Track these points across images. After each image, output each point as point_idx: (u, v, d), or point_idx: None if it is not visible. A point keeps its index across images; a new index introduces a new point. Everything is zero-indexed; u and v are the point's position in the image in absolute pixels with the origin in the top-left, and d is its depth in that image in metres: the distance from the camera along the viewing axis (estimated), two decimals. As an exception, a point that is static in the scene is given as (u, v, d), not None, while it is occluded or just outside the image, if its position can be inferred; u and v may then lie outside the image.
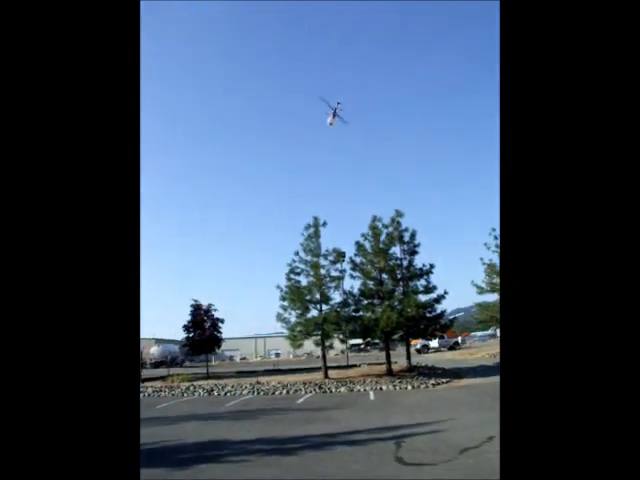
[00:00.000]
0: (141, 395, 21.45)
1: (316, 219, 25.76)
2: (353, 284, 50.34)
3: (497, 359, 34.54)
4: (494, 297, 39.73)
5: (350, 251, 26.17)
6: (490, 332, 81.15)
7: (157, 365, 54.10)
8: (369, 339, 26.31)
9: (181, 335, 34.16)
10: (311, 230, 25.58)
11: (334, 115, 33.38)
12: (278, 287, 25.24)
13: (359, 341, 32.46)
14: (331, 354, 38.05)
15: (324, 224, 25.78)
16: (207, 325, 32.12)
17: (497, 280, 38.65)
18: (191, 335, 32.02)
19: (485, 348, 48.04)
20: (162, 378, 30.45)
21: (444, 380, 22.50)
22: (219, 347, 34.52)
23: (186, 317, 32.16)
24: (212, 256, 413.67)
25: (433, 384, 21.41)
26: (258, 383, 24.07)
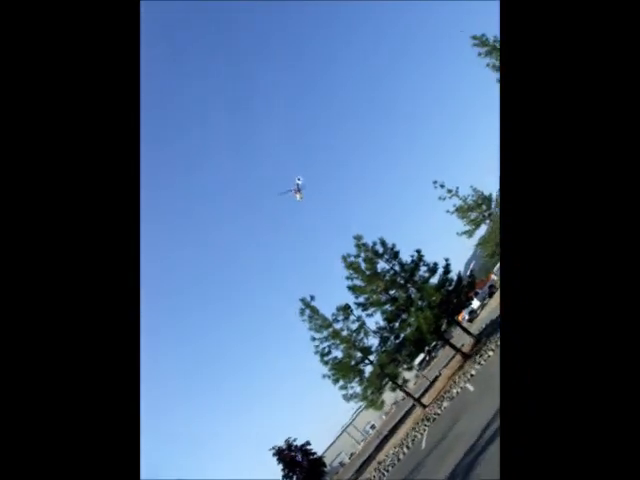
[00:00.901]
0: None
1: (303, 300, 25.62)
2: (376, 319, 49.89)
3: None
4: (482, 230, 40.12)
5: (346, 298, 26.06)
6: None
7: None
8: (426, 347, 25.92)
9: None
10: (307, 311, 25.34)
11: (298, 191, 32.99)
12: (324, 376, 24.70)
13: (421, 356, 31.93)
14: (410, 386, 37.30)
15: (313, 298, 25.67)
16: (299, 457, 30.95)
17: (474, 215, 39.12)
18: (295, 476, 30.75)
19: None
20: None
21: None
22: (324, 466, 33.26)
23: (273, 468, 30.88)
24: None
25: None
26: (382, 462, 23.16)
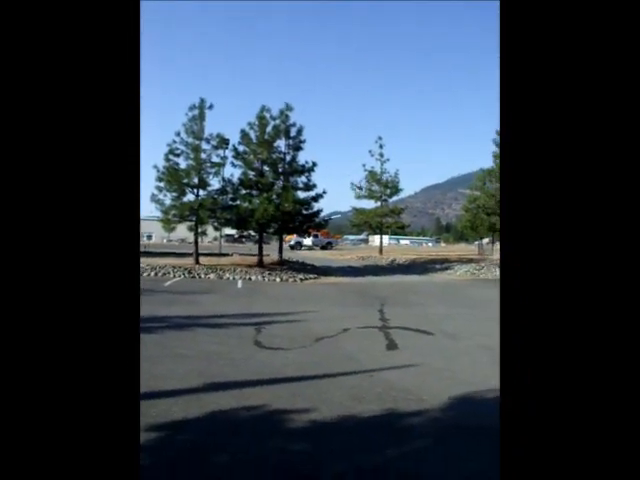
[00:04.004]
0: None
1: (202, 100, 24.36)
2: (234, 172, 49.64)
3: (365, 262, 36.33)
4: (371, 203, 41.29)
5: (235, 139, 25.28)
6: (362, 237, 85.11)
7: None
8: (244, 230, 26.25)
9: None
10: (196, 111, 24.19)
11: None
12: (155, 167, 23.89)
13: (234, 231, 32.34)
14: (205, 242, 37.85)
15: (211, 107, 24.48)
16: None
17: (376, 187, 40.06)
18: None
19: (356, 251, 50.31)
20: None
21: (312, 276, 23.29)
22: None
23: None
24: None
25: (301, 279, 22.08)
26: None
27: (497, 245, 55.16)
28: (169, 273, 21.20)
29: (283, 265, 25.87)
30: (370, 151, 40.76)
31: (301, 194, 25.25)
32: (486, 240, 51.70)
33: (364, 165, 40.86)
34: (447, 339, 9.49)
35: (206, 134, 24.19)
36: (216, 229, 28.05)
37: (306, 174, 25.56)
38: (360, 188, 40.35)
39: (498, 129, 30.23)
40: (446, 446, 4.43)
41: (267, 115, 24.94)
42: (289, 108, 25.35)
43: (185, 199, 24.00)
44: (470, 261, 32.18)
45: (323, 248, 56.95)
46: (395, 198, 42.41)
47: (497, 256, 37.41)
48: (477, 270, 27.31)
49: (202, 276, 21.13)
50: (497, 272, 26.98)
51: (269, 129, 24.80)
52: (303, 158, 29.78)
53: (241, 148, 24.90)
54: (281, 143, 25.40)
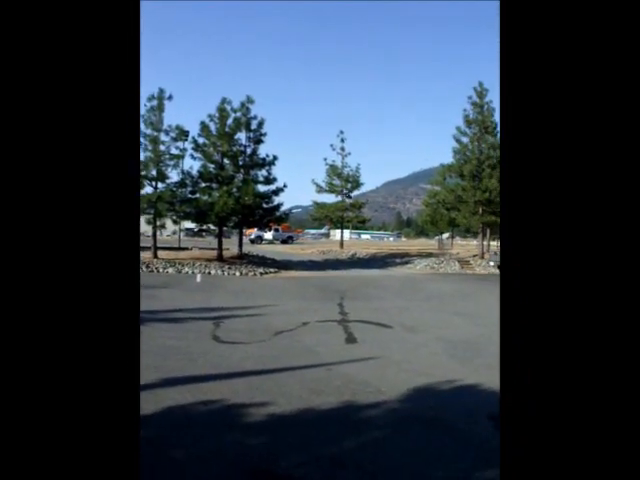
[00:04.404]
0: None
1: (162, 90, 23.89)
2: (193, 165, 48.90)
3: (326, 256, 36.42)
4: (332, 197, 41.37)
5: (195, 131, 24.90)
6: (323, 231, 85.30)
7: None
8: (204, 224, 25.95)
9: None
10: (154, 102, 23.72)
11: None
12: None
13: (194, 225, 31.95)
14: (164, 235, 37.27)
15: (170, 97, 24.02)
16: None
17: (337, 181, 40.15)
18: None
19: (317, 245, 50.34)
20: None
21: (272, 270, 23.20)
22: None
23: None
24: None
25: (261, 273, 21.97)
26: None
27: (457, 240, 56.21)
28: (126, 267, 20.77)
29: (243, 259, 25.67)
30: (332, 145, 40.83)
31: (262, 187, 25.07)
32: (446, 235, 52.58)
33: (325, 159, 40.91)
34: (406, 332, 9.58)
35: (165, 125, 23.78)
36: (175, 222, 27.61)
37: (267, 167, 25.37)
38: (320, 187, 40.43)
39: (461, 125, 30.75)
40: (404, 436, 4.47)
41: (228, 107, 24.65)
42: (250, 100, 25.12)
43: (143, 192, 23.52)
44: (430, 255, 32.57)
45: (284, 242, 56.78)
46: (356, 192, 42.62)
47: (456, 250, 38.09)
48: (437, 264, 27.69)
49: (160, 270, 20.80)
50: (456, 266, 27.47)
51: (230, 121, 24.50)
52: (264, 151, 29.50)
53: (201, 140, 24.51)
54: (242, 136, 25.13)
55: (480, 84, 30.82)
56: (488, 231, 33.59)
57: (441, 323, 10.63)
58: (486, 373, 6.65)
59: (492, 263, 26.74)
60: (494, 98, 30.67)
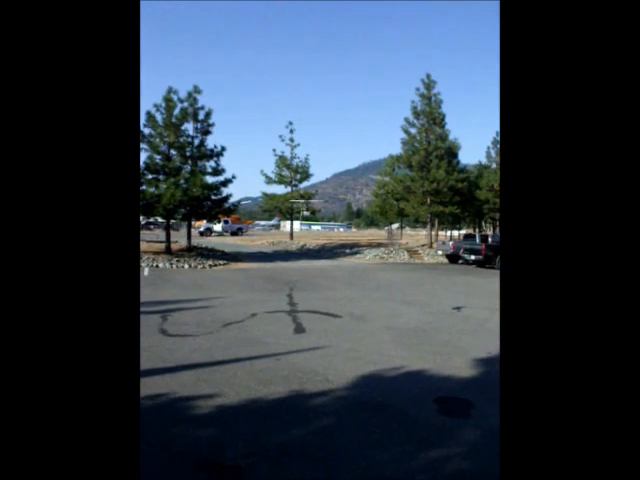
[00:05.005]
0: None
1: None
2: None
3: (276, 247, 36.33)
4: (281, 188, 41.27)
5: (141, 121, 24.30)
6: (274, 222, 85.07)
7: None
8: (151, 216, 25.44)
9: None
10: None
11: None
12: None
13: (141, 218, 31.27)
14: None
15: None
16: None
17: (286, 172, 40.05)
18: None
19: (267, 237, 50.16)
20: None
21: (222, 262, 22.99)
22: None
23: None
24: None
25: (210, 265, 21.75)
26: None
27: (407, 230, 56.97)
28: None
29: (192, 251, 25.33)
30: (281, 136, 40.65)
31: (210, 179, 24.68)
32: (395, 225, 53.26)
33: (274, 150, 40.71)
34: (354, 321, 9.69)
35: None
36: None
37: (215, 158, 25.00)
38: (269, 178, 40.21)
39: (409, 117, 31.11)
40: (351, 423, 4.54)
41: (174, 97, 24.17)
42: (197, 91, 24.67)
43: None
44: (379, 245, 33.00)
45: (234, 234, 56.32)
46: (306, 183, 42.58)
47: (405, 240, 38.66)
48: (386, 254, 28.07)
49: (106, 264, 20.29)
50: (405, 256, 27.92)
51: (176, 112, 24.02)
52: (212, 142, 29.12)
53: (147, 131, 24.00)
54: (189, 126, 24.68)
55: (428, 76, 31.27)
56: (436, 221, 34.29)
57: (390, 312, 10.78)
58: (432, 359, 6.82)
59: (440, 252, 27.31)
60: (442, 90, 31.25)
